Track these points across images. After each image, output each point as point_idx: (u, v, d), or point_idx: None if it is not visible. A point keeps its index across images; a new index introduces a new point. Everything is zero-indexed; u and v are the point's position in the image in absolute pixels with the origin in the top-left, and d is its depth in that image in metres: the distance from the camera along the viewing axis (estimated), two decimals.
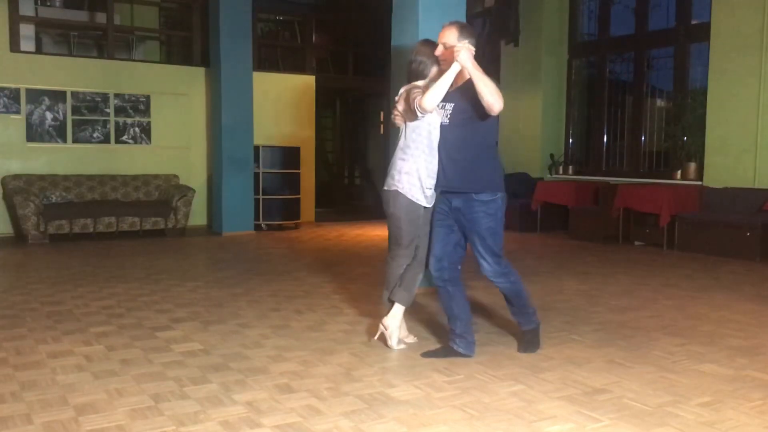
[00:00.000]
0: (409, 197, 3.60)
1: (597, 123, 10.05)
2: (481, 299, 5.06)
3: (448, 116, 3.55)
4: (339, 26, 11.96)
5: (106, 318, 4.42)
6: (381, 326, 3.80)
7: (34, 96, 8.54)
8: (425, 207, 3.66)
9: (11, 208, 8.10)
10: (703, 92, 8.28)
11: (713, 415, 2.86)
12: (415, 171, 3.58)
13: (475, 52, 3.45)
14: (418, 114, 3.47)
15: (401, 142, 3.66)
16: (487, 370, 3.42)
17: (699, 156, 8.30)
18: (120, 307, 4.73)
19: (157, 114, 9.29)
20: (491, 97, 3.30)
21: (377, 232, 9.11)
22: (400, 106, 3.65)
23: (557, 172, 10.12)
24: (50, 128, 8.65)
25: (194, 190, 8.90)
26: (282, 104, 10.22)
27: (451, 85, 3.45)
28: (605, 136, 9.93)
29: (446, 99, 3.51)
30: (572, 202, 8.86)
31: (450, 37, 3.52)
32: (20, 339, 3.90)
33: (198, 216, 9.54)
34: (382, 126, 12.63)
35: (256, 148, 9.26)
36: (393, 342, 3.76)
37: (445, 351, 3.67)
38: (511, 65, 10.66)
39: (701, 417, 2.84)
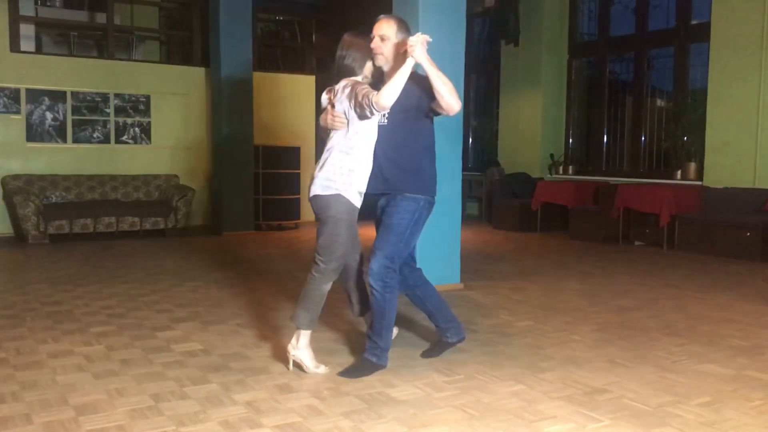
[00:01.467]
0: (350, 200, 3.32)
1: (597, 123, 10.05)
2: (481, 299, 5.06)
3: (386, 116, 3.33)
4: (339, 26, 11.94)
5: (106, 318, 4.42)
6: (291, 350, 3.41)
7: (34, 96, 8.54)
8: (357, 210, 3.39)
9: (11, 208, 8.10)
10: (703, 92, 8.28)
11: (713, 415, 2.86)
12: (355, 173, 3.30)
13: (378, 43, 3.29)
14: (372, 111, 3.16)
15: (341, 143, 3.31)
16: (487, 370, 3.42)
17: (699, 156, 8.30)
18: (120, 307, 4.73)
19: (157, 114, 9.29)
20: (451, 97, 3.16)
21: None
22: (340, 105, 3.30)
23: (557, 172, 10.12)
24: (50, 128, 8.65)
25: (194, 190, 8.90)
26: (282, 104, 10.22)
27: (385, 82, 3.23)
28: (605, 136, 9.93)
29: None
30: (572, 202, 8.86)
31: (388, 29, 3.31)
32: (20, 339, 3.90)
33: (198, 216, 9.54)
34: None
35: (256, 148, 9.26)
36: (310, 366, 3.37)
37: (440, 347, 3.64)
38: (511, 65, 10.65)
39: (701, 417, 2.84)
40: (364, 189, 3.37)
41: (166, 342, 3.87)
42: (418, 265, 3.70)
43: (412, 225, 3.35)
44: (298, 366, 3.40)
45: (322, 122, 3.45)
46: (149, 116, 9.25)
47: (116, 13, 9.27)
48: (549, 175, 10.22)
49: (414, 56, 3.12)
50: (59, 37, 9.66)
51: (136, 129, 9.18)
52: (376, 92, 3.15)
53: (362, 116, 3.25)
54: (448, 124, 5.60)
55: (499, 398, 3.04)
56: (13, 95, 8.44)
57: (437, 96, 3.18)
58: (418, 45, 3.12)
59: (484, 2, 10.44)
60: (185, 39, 10.08)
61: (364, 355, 3.37)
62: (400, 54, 3.27)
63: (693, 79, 8.71)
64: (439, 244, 5.54)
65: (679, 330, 4.29)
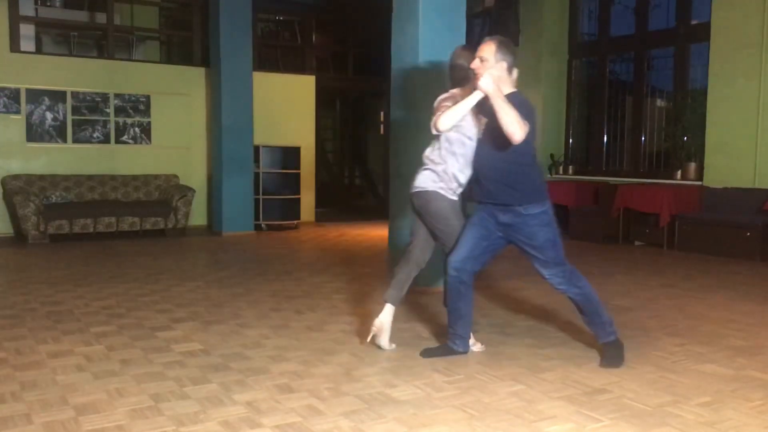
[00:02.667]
0: (449, 197, 3.63)
1: (597, 123, 10.04)
2: (481, 299, 5.06)
3: (482, 131, 3.52)
4: (339, 26, 11.95)
5: (106, 318, 4.42)
6: (373, 327, 3.76)
7: (34, 96, 8.54)
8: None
9: (11, 208, 8.10)
10: (703, 92, 8.28)
11: (713, 415, 2.86)
12: (448, 176, 3.61)
13: (506, 69, 3.44)
14: (433, 131, 3.49)
15: (435, 147, 3.66)
16: (487, 370, 3.42)
17: (699, 156, 8.29)
18: (120, 307, 4.73)
19: (157, 114, 9.29)
20: (511, 127, 3.21)
21: (377, 232, 9.11)
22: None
23: (557, 172, 10.12)
24: (50, 128, 8.65)
25: (194, 190, 8.90)
26: (282, 104, 10.22)
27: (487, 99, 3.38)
28: (605, 136, 9.93)
29: (484, 112, 3.45)
30: (572, 202, 8.86)
31: (487, 52, 3.44)
32: (20, 339, 3.90)
33: (198, 216, 9.54)
34: (382, 126, 12.63)
35: (256, 148, 9.26)
36: (384, 342, 3.75)
37: (444, 350, 3.67)
38: (510, 72, 10.62)
39: (701, 417, 2.84)
40: (458, 190, 3.64)
41: (166, 342, 3.87)
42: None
43: (554, 230, 3.52)
44: (374, 341, 3.74)
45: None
46: (149, 116, 9.25)
47: (116, 13, 9.27)
48: (549, 175, 10.21)
49: (479, 86, 3.28)
50: (59, 37, 9.66)
51: (136, 129, 9.18)
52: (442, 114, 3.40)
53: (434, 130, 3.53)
54: None
55: (499, 398, 3.04)
56: (13, 95, 8.44)
57: (500, 124, 3.24)
58: (485, 76, 3.28)
59: (484, 2, 10.44)
60: (185, 39, 10.08)
61: (608, 339, 3.55)
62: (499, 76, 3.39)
63: (693, 79, 8.70)
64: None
65: (679, 330, 4.29)
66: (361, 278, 5.95)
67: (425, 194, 3.67)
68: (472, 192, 3.64)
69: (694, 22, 8.63)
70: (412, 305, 4.87)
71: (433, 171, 3.65)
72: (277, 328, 4.23)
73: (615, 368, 3.47)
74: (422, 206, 3.70)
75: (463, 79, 3.62)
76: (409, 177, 5.58)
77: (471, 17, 9.22)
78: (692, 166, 8.35)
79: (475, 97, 3.37)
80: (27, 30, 8.82)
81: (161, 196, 8.94)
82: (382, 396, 3.05)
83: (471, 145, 3.56)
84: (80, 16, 9.57)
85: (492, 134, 3.42)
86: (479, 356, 3.64)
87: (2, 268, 6.45)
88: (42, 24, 9.24)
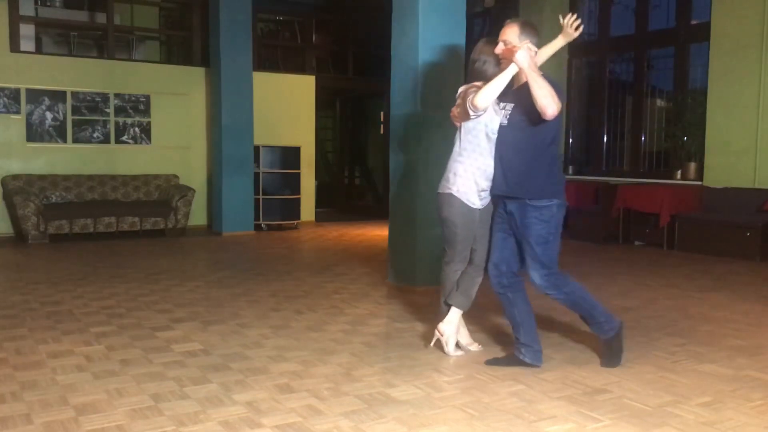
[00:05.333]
0: (464, 200, 3.51)
1: (597, 123, 10.04)
2: (481, 299, 5.04)
3: (507, 117, 3.41)
4: (339, 26, 11.95)
5: (106, 318, 4.42)
6: (437, 332, 3.67)
7: (34, 96, 8.53)
8: (480, 209, 3.56)
9: (11, 208, 8.10)
10: (703, 92, 8.28)
11: (713, 415, 2.86)
12: (470, 173, 3.49)
13: (501, 48, 3.36)
14: (471, 113, 3.36)
15: (457, 144, 3.58)
16: (487, 370, 3.42)
17: (699, 156, 8.29)
18: (120, 307, 4.73)
19: (157, 114, 9.29)
20: (545, 99, 3.12)
21: (377, 232, 9.11)
22: (457, 108, 3.56)
23: None
24: (50, 128, 8.65)
25: (194, 190, 8.90)
26: (282, 104, 10.22)
27: (512, 85, 3.35)
28: (605, 136, 9.93)
29: (506, 99, 3.41)
30: (572, 202, 8.82)
31: (511, 35, 3.36)
32: (20, 339, 3.90)
33: (198, 216, 9.54)
34: (382, 126, 12.62)
35: (256, 148, 9.26)
36: (450, 348, 3.64)
37: (510, 360, 3.54)
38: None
39: (701, 417, 2.84)
40: (485, 188, 3.51)
41: (166, 342, 3.87)
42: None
43: (553, 231, 3.39)
44: (438, 346, 3.68)
45: (451, 117, 3.66)
46: (149, 116, 9.24)
47: (116, 13, 9.27)
48: None
49: (515, 60, 3.19)
50: (59, 37, 9.66)
51: (136, 129, 9.18)
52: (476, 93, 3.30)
53: (464, 117, 3.46)
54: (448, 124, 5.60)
55: (499, 398, 3.04)
56: (13, 95, 8.44)
57: (533, 98, 3.16)
58: (522, 50, 3.19)
59: (484, 2, 10.44)
60: (185, 39, 10.08)
61: (606, 336, 3.49)
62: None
63: (693, 79, 8.71)
64: (439, 243, 5.53)
65: (679, 330, 4.29)
66: (362, 278, 5.94)
67: (439, 197, 3.62)
68: (493, 185, 3.52)
69: (694, 22, 8.63)
70: (413, 305, 4.87)
71: (452, 171, 3.56)
72: (277, 328, 4.23)
73: (612, 368, 3.44)
74: (437, 209, 3.66)
75: (485, 72, 3.51)
76: (410, 176, 5.61)
77: (471, 17, 9.22)
78: (692, 166, 8.35)
79: (510, 71, 3.28)
80: (27, 30, 8.82)
81: (161, 196, 8.94)
82: (382, 396, 3.05)
83: (494, 137, 3.46)
84: (80, 16, 9.58)
85: (521, 116, 3.33)
86: (479, 356, 3.64)
87: (2, 268, 6.45)
88: (42, 24, 9.24)
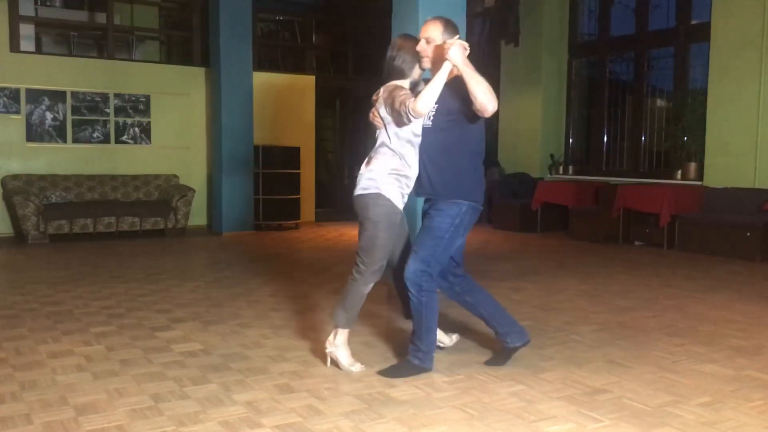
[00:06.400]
0: (391, 200, 3.28)
1: (597, 123, 10.05)
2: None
3: (431, 118, 3.27)
4: (339, 26, 11.95)
5: (106, 318, 4.42)
6: (328, 347, 3.44)
7: (34, 96, 8.53)
8: (401, 214, 3.37)
9: (11, 208, 8.10)
10: (703, 92, 8.28)
11: (713, 415, 2.86)
12: (396, 174, 3.29)
13: (423, 46, 3.24)
14: (410, 118, 3.14)
15: (382, 145, 3.33)
16: (487, 370, 3.42)
17: (699, 156, 8.30)
18: (120, 307, 4.73)
19: (157, 114, 9.29)
20: (485, 96, 3.03)
21: None
22: (383, 110, 3.30)
23: (557, 172, 10.12)
24: (50, 128, 8.65)
25: (194, 190, 8.90)
26: (282, 104, 10.22)
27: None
28: (605, 136, 9.93)
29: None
30: (572, 202, 8.86)
31: (434, 32, 3.24)
32: (20, 339, 3.90)
33: (198, 216, 9.54)
34: None
35: (256, 148, 9.26)
36: (346, 363, 3.39)
37: (505, 354, 3.50)
38: (511, 65, 10.65)
39: (701, 417, 2.84)
40: (407, 192, 3.34)
41: (166, 342, 3.87)
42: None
43: (452, 230, 3.26)
44: (334, 363, 3.43)
45: (370, 119, 3.45)
46: (149, 116, 9.25)
47: (116, 13, 9.27)
48: (549, 175, 10.22)
49: (449, 57, 3.06)
50: (59, 37, 9.66)
51: (136, 129, 9.18)
52: (413, 98, 3.13)
53: (399, 122, 3.24)
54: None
55: (499, 398, 3.04)
56: (13, 95, 8.44)
57: (471, 96, 3.06)
58: (455, 46, 3.06)
59: (484, 2, 10.44)
60: (185, 39, 10.08)
61: (407, 357, 3.37)
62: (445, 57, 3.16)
63: (693, 79, 8.71)
64: None
65: (679, 330, 4.29)
66: None
67: (365, 197, 3.31)
68: (414, 187, 3.38)
69: (694, 22, 8.64)
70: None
71: (380, 173, 3.29)
72: (277, 328, 4.23)
73: (392, 378, 3.25)
74: (361, 209, 3.35)
75: (405, 71, 3.32)
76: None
77: (471, 17, 9.22)
78: (692, 166, 8.35)
79: (446, 70, 3.10)
80: (27, 30, 8.82)
81: (161, 196, 8.94)
82: (382, 396, 3.05)
83: (418, 141, 3.30)
84: (80, 16, 9.57)
85: (447, 117, 3.22)
86: (479, 356, 3.64)
87: (2, 268, 6.45)
88: (42, 24, 9.24)
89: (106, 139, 8.98)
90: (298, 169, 9.69)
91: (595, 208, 8.67)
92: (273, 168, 9.44)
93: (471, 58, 3.17)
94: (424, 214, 3.41)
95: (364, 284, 3.37)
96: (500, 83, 10.87)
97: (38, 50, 9.11)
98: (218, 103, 8.94)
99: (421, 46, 3.28)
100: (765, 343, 4.01)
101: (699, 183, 8.20)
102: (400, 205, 3.34)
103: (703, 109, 8.22)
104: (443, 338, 3.75)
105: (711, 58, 8.11)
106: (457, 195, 3.27)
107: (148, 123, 9.25)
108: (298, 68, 11.05)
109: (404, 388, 3.15)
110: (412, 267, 3.23)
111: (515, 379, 3.29)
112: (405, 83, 3.34)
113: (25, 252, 7.32)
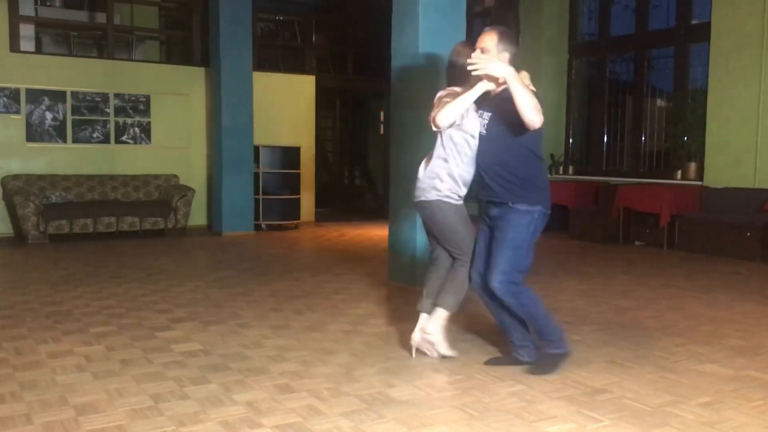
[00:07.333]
0: (453, 203, 3.46)
1: (597, 123, 10.04)
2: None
3: (485, 126, 3.36)
4: (339, 26, 11.95)
5: (106, 318, 4.42)
6: (417, 336, 3.58)
7: (34, 96, 8.53)
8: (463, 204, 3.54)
9: (11, 208, 8.10)
10: (703, 92, 8.28)
11: (713, 415, 2.86)
12: (453, 178, 3.44)
13: (508, 60, 3.24)
14: (432, 128, 3.35)
15: (439, 150, 3.49)
16: (487, 370, 3.42)
17: (699, 156, 8.30)
18: (120, 307, 4.73)
19: (157, 114, 9.29)
20: (530, 113, 3.05)
21: (377, 232, 9.11)
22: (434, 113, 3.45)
23: (557, 172, 10.12)
24: (50, 128, 8.65)
25: (194, 190, 8.90)
26: (282, 104, 10.22)
27: (489, 92, 3.29)
28: (605, 136, 9.93)
29: (484, 107, 3.36)
30: (572, 202, 8.86)
31: (488, 42, 3.30)
32: (20, 339, 3.90)
33: (198, 216, 9.54)
34: (382, 126, 12.62)
35: (256, 148, 9.26)
36: (442, 349, 3.56)
37: (510, 360, 3.52)
38: (510, 65, 10.63)
39: (701, 417, 2.84)
40: (464, 193, 3.48)
41: (166, 342, 3.87)
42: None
43: (529, 237, 3.33)
44: (420, 352, 3.58)
45: (429, 119, 3.51)
46: (149, 116, 9.24)
47: (116, 13, 9.27)
48: (549, 175, 10.21)
49: (495, 69, 3.10)
50: (59, 37, 9.66)
51: (136, 129, 9.18)
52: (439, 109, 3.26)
53: (434, 128, 3.39)
54: None
55: (499, 398, 3.04)
56: (13, 95, 8.43)
57: (519, 110, 3.08)
58: (494, 62, 3.11)
59: (484, 2, 10.44)
60: (185, 39, 10.08)
61: (544, 351, 3.41)
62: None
63: (693, 79, 8.70)
64: None
65: (679, 330, 4.29)
66: (362, 278, 5.94)
67: (428, 205, 3.51)
68: (474, 191, 3.51)
69: (694, 22, 8.64)
70: (413, 305, 4.86)
71: (437, 177, 3.47)
72: (277, 328, 4.23)
73: (540, 375, 3.31)
74: (428, 217, 3.56)
75: (463, 77, 3.43)
76: (410, 177, 5.60)
77: (471, 17, 9.22)
78: (692, 166, 8.35)
79: (477, 90, 3.26)
80: (27, 30, 8.82)
81: (161, 196, 8.94)
82: (382, 396, 3.05)
83: (475, 144, 3.41)
84: (80, 16, 9.57)
85: (500, 126, 3.27)
86: (479, 356, 3.64)
87: (2, 268, 6.45)
88: (42, 24, 9.24)
89: (106, 139, 8.98)
90: (298, 169, 9.69)
91: (595, 208, 8.67)
92: (273, 168, 9.44)
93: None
94: (493, 222, 3.40)
95: (464, 266, 3.54)
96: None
97: (38, 50, 9.10)
98: (218, 103, 8.94)
99: (476, 56, 3.29)
100: (765, 343, 4.01)
101: (699, 183, 8.20)
102: (461, 202, 3.51)
103: (703, 109, 8.22)
104: (446, 351, 3.64)
105: (711, 58, 8.11)
106: (527, 201, 3.31)
107: (148, 123, 9.25)
108: (298, 68, 11.05)
109: (404, 388, 3.15)
110: (497, 281, 3.29)
111: (515, 379, 3.29)
112: (457, 89, 3.44)
113: (25, 252, 7.32)
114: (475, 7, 10.18)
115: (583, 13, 10.31)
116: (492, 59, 3.15)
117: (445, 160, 3.46)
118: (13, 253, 7.28)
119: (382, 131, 12.53)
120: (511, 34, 3.40)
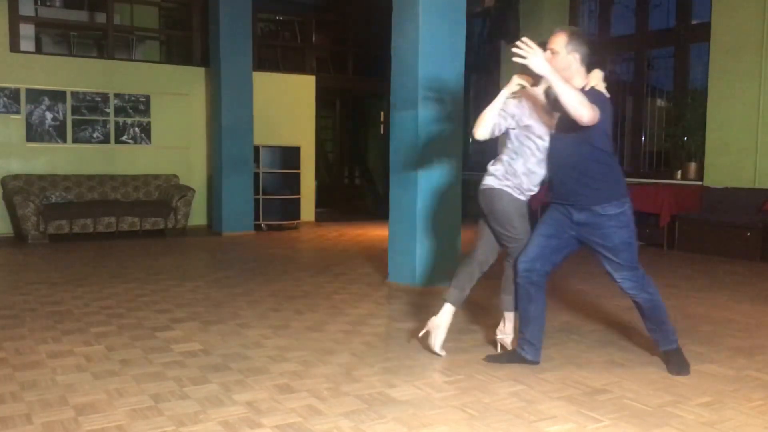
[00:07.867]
0: (515, 196, 3.50)
1: None
2: (481, 299, 5.05)
3: (555, 127, 3.37)
4: (339, 26, 11.95)
5: (106, 318, 4.42)
6: (428, 326, 3.64)
7: (34, 96, 8.53)
8: (525, 203, 3.57)
9: (11, 208, 8.10)
10: (703, 92, 8.28)
11: (713, 415, 2.86)
12: (517, 175, 3.48)
13: (548, 57, 3.16)
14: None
15: (506, 148, 3.55)
16: (487, 370, 3.42)
17: (699, 156, 8.30)
18: (120, 307, 4.73)
19: (157, 114, 9.29)
20: (575, 110, 3.00)
21: (377, 232, 9.11)
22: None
23: None
24: (50, 128, 8.65)
25: (194, 190, 8.90)
26: (282, 104, 10.22)
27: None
28: None
29: (556, 107, 3.32)
30: None
31: (557, 43, 3.27)
32: (20, 339, 3.90)
33: (198, 216, 9.54)
34: (382, 126, 12.63)
35: (256, 148, 9.27)
36: (437, 345, 3.61)
37: (510, 356, 3.54)
38: (511, 65, 10.64)
39: (701, 417, 2.84)
40: (527, 189, 3.51)
41: (166, 342, 3.87)
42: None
43: (633, 230, 3.40)
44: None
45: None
46: (149, 116, 9.25)
47: (116, 13, 9.27)
48: None
49: (530, 64, 3.03)
50: (59, 37, 9.66)
51: (136, 129, 9.18)
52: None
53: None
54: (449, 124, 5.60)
55: (499, 398, 3.04)
56: (13, 95, 8.44)
57: (565, 107, 3.06)
58: (534, 55, 3.02)
59: (484, 2, 10.44)
60: (185, 39, 10.08)
61: (670, 347, 3.43)
62: (570, 68, 3.25)
63: (693, 79, 8.71)
64: (440, 243, 5.54)
65: (679, 330, 4.26)
66: (362, 278, 5.94)
67: (490, 192, 3.53)
68: (547, 194, 3.50)
69: (694, 22, 8.64)
70: (413, 305, 4.87)
71: (504, 171, 3.52)
72: (277, 328, 4.23)
73: (685, 375, 3.35)
74: (487, 205, 3.56)
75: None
76: (410, 177, 5.61)
77: (471, 17, 9.22)
78: (692, 166, 8.35)
79: (501, 97, 3.32)
80: (27, 30, 8.83)
81: (161, 196, 8.94)
82: (382, 396, 3.05)
83: (542, 144, 3.42)
84: (80, 16, 9.58)
85: (569, 123, 3.18)
86: (479, 356, 3.64)
87: (2, 268, 6.45)
88: (42, 24, 9.24)
89: (106, 139, 8.98)
90: (298, 169, 9.70)
91: None
92: (273, 168, 9.44)
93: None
94: (581, 228, 3.39)
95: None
96: (500, 83, 10.87)
97: (38, 50, 9.11)
98: (218, 103, 8.94)
99: (546, 56, 3.21)
100: (765, 343, 4.01)
101: (699, 183, 8.20)
102: (522, 198, 3.53)
103: (703, 109, 8.22)
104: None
105: (711, 58, 8.11)
106: (613, 198, 3.34)
107: (148, 123, 9.25)
108: (298, 68, 11.05)
109: (404, 388, 3.15)
110: (627, 284, 3.39)
111: (515, 379, 3.29)
112: (535, 89, 3.49)
113: (25, 252, 7.32)
114: (475, 7, 10.17)
115: (583, 13, 10.31)
116: (535, 52, 3.05)
117: (512, 158, 3.52)
118: (13, 253, 7.28)
119: (382, 131, 12.53)
120: (582, 35, 3.38)
